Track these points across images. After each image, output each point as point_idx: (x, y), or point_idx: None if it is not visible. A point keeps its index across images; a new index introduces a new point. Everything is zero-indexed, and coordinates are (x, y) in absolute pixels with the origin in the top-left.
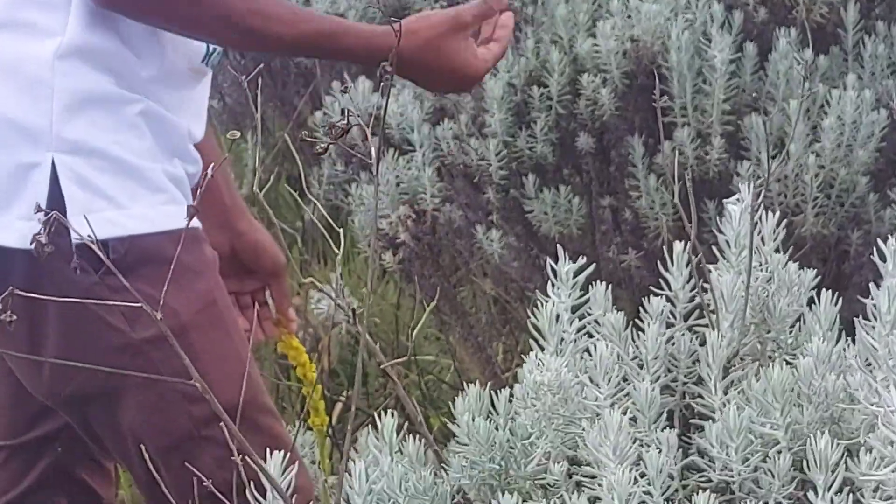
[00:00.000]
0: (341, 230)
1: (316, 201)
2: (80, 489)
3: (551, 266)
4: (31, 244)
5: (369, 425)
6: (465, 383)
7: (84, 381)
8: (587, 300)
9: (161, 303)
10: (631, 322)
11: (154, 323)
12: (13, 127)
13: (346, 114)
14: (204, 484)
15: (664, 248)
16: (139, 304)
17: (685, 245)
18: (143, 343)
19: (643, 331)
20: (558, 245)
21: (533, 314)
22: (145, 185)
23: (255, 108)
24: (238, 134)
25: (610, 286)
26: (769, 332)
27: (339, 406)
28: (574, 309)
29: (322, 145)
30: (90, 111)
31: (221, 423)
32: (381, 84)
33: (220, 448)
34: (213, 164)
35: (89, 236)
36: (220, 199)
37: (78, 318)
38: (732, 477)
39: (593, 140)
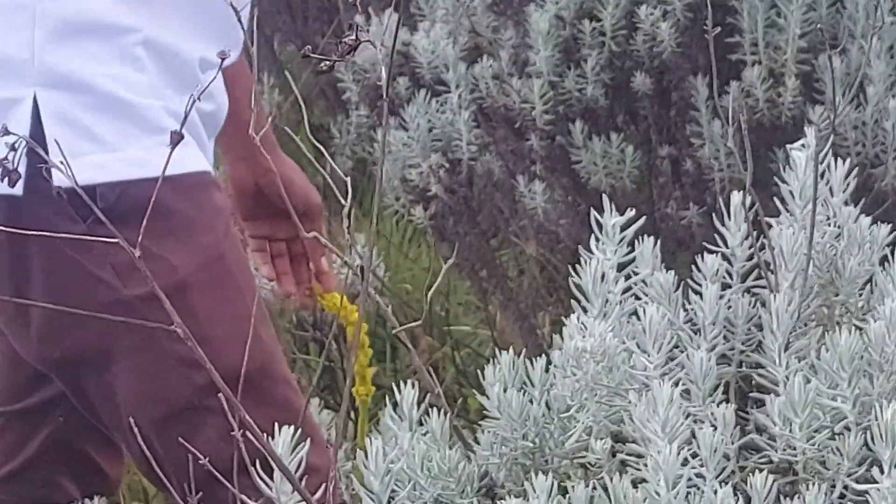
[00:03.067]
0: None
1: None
2: (85, 465)
3: (596, 219)
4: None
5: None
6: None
7: (73, 343)
8: (634, 258)
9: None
10: (682, 283)
11: (153, 277)
12: None
13: (355, 29)
14: (202, 462)
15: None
16: (131, 258)
17: (743, 195)
18: (137, 300)
19: (697, 292)
20: (608, 199)
21: (575, 272)
22: (140, 125)
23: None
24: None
25: (666, 244)
26: (837, 294)
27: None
28: (621, 267)
29: (327, 63)
30: (79, 40)
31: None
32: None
33: (224, 419)
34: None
35: (73, 184)
36: (244, 129)
37: (64, 272)
38: (796, 457)
39: (651, 81)
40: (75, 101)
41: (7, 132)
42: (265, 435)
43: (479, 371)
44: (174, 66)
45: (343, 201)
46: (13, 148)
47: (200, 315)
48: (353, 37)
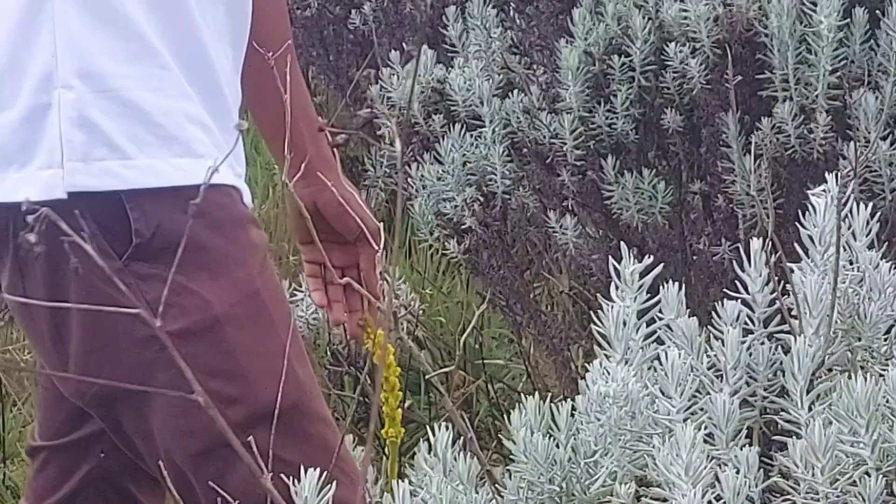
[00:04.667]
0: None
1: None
2: (126, 502)
3: (614, 266)
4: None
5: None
6: (537, 391)
7: (109, 379)
8: (658, 302)
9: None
10: (705, 328)
11: (187, 313)
12: (19, 64)
13: (371, 101)
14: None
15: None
16: (164, 294)
17: (763, 242)
18: (171, 336)
19: (717, 338)
20: (639, 235)
21: (597, 318)
22: (156, 133)
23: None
24: (245, 125)
25: (698, 280)
26: (860, 339)
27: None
28: (644, 312)
29: (342, 137)
30: (99, 40)
31: (260, 430)
32: (401, 141)
33: (259, 457)
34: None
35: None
36: (303, 147)
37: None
38: (818, 500)
39: (681, 117)
40: (95, 103)
41: (30, 203)
42: (290, 477)
43: (513, 405)
44: (198, 65)
45: (375, 245)
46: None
47: (235, 351)
48: (369, 109)
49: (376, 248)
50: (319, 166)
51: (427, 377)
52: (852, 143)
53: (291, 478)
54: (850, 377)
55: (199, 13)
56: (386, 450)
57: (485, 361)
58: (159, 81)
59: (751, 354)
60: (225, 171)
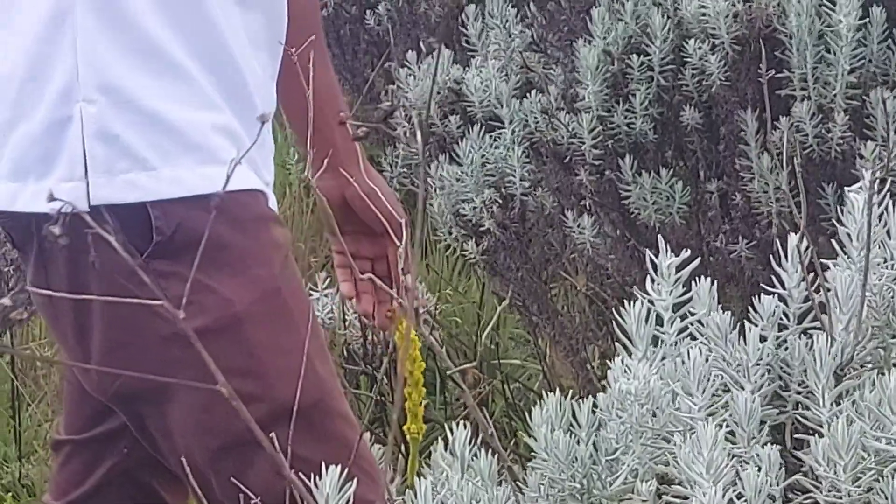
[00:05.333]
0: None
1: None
2: (149, 497)
3: (651, 259)
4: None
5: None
6: (554, 391)
7: (131, 375)
8: (689, 298)
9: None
10: (739, 323)
11: (207, 311)
12: (40, 77)
13: (391, 94)
14: (254, 501)
15: (778, 238)
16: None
17: (799, 237)
18: (195, 333)
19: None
20: (659, 235)
21: (619, 313)
22: (179, 142)
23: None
24: (269, 116)
25: (716, 278)
26: (894, 336)
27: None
28: (676, 307)
29: (363, 130)
30: (122, 53)
31: (280, 427)
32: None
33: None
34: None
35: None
36: (331, 139)
37: (122, 305)
38: (841, 499)
39: (700, 115)
40: (117, 116)
41: (53, 198)
42: (311, 475)
43: (529, 405)
44: (225, 74)
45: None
46: (61, 218)
47: (255, 349)
48: (389, 102)
49: (397, 242)
50: (347, 158)
51: (449, 373)
52: (870, 142)
53: (312, 475)
54: (880, 374)
55: (226, 22)
56: (403, 448)
57: (501, 361)
58: (182, 93)
59: (786, 350)
60: (251, 177)
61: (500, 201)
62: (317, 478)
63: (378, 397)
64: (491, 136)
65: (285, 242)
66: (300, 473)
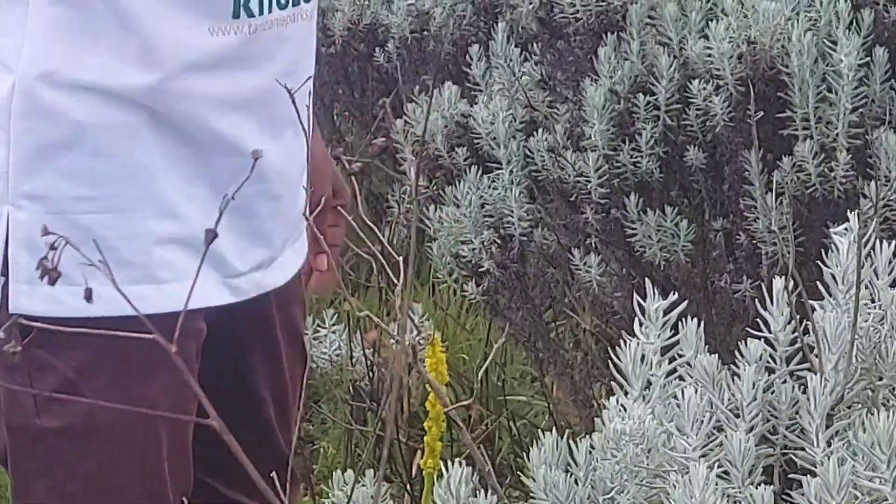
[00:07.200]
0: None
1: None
2: None
3: (638, 303)
4: None
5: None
6: (559, 428)
7: (2, 440)
8: (677, 342)
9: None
10: (728, 365)
11: (65, 414)
12: None
13: (389, 130)
14: None
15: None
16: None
17: (785, 279)
18: (48, 432)
19: (738, 375)
20: (662, 273)
21: (616, 354)
22: (108, 256)
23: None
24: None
25: (720, 317)
26: (881, 378)
27: (419, 454)
28: (666, 349)
29: (357, 165)
30: (61, 156)
31: None
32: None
33: None
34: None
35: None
36: None
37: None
38: None
39: (704, 155)
40: (47, 222)
41: (47, 232)
42: None
43: (533, 443)
44: (190, 174)
45: (396, 280)
46: (53, 247)
47: (103, 462)
48: (383, 137)
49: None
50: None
51: (445, 410)
52: (873, 181)
53: None
54: (869, 414)
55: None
56: (408, 487)
57: (507, 398)
58: (125, 202)
59: (773, 392)
60: (208, 290)
61: (499, 242)
62: None
63: (383, 434)
64: (489, 178)
65: (187, 359)
66: None
